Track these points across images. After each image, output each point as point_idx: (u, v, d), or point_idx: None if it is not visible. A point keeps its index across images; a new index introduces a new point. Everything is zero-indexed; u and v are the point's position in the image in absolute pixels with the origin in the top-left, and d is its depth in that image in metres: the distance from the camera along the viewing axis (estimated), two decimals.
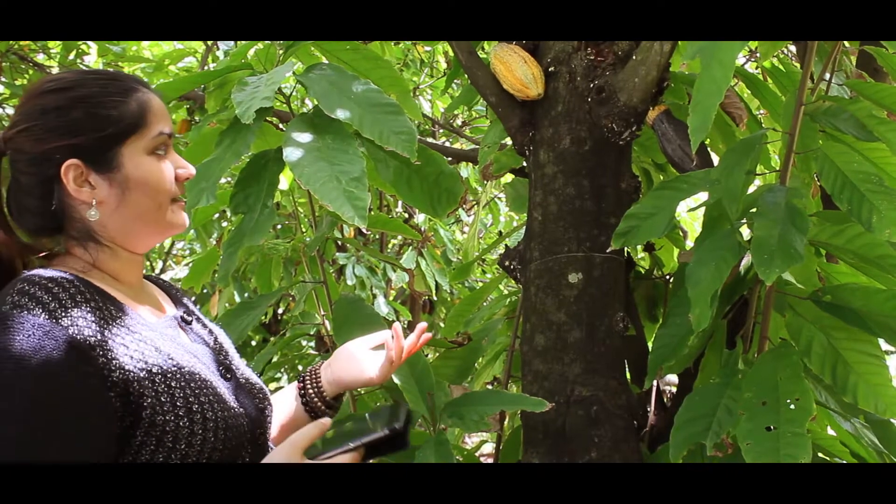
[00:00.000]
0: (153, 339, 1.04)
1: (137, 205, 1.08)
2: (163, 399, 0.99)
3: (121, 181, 1.06)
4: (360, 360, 1.31)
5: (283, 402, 1.33)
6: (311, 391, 1.32)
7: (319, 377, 1.33)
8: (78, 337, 0.94)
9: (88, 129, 1.05)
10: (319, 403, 1.32)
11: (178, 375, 1.02)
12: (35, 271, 1.01)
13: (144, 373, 0.99)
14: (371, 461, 1.07)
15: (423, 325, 1.31)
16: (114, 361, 0.96)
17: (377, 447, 1.05)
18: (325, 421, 1.06)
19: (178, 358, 1.04)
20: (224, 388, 1.09)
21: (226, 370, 1.13)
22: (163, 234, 1.14)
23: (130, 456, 0.97)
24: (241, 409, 1.09)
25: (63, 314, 0.95)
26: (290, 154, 1.42)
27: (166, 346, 1.05)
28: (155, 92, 1.14)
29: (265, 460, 1.04)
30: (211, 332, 1.21)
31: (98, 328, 0.97)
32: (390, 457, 1.39)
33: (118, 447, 0.96)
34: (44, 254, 1.10)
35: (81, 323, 0.95)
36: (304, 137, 1.46)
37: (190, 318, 1.18)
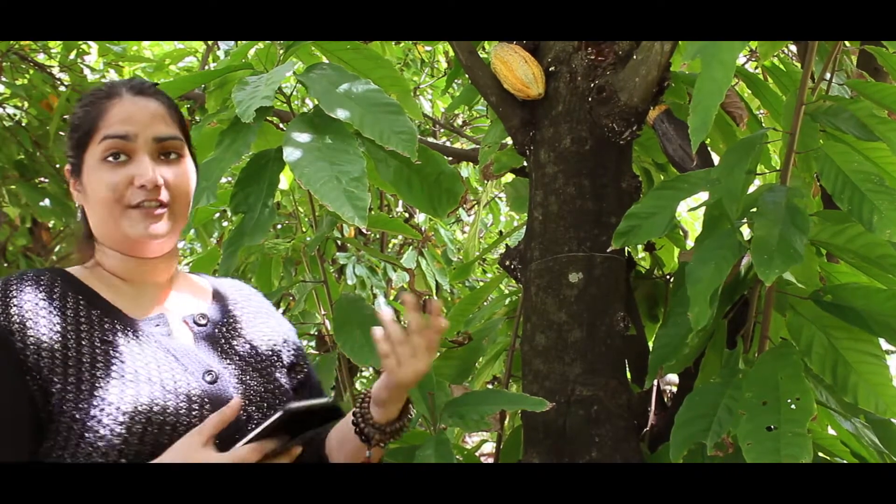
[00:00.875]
0: (114, 331, 1.07)
1: (93, 212, 1.13)
2: (82, 388, 1.01)
3: (85, 186, 1.13)
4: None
5: (344, 433, 1.23)
6: (359, 420, 1.19)
7: (367, 404, 1.20)
8: (2, 322, 1.01)
9: (69, 135, 1.14)
10: (364, 427, 1.18)
11: (113, 365, 1.03)
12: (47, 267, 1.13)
13: (72, 360, 1.02)
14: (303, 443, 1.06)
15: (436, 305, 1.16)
16: (31, 347, 1.01)
17: (301, 423, 1.02)
18: (233, 404, 1.04)
19: (133, 351, 1.06)
20: (197, 390, 1.07)
21: (209, 373, 1.10)
22: (126, 242, 1.12)
23: (50, 441, 1.01)
24: (206, 411, 1.06)
25: (11, 303, 1.03)
26: (291, 154, 1.42)
27: (128, 340, 1.06)
28: (150, 97, 1.14)
29: (168, 450, 1.01)
30: (222, 333, 1.18)
31: (30, 316, 1.02)
32: (390, 457, 1.39)
33: (40, 433, 1.00)
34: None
35: (14, 311, 1.02)
36: (305, 137, 1.46)
37: (205, 322, 1.17)
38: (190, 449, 1.00)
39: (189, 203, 1.17)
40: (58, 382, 1.01)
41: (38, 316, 1.03)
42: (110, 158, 1.09)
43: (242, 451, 1.00)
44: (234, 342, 1.19)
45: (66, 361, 1.02)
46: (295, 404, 1.00)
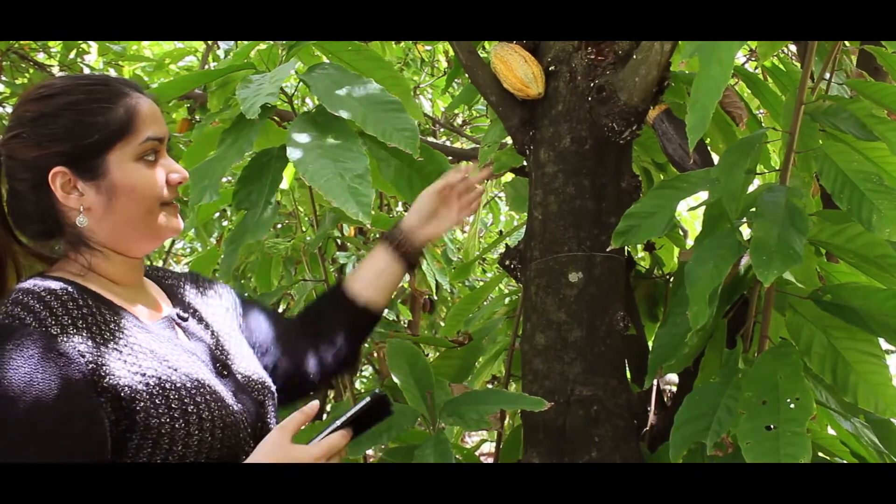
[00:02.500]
0: (148, 341, 1.05)
1: (125, 211, 1.08)
2: (157, 402, 0.99)
3: (107, 188, 1.07)
4: (438, 214, 1.46)
5: (372, 260, 1.43)
6: (395, 235, 1.43)
7: (402, 230, 1.43)
8: (67, 345, 0.95)
9: (75, 136, 1.05)
10: (414, 254, 1.44)
11: (174, 378, 1.02)
12: (33, 280, 1.03)
13: (137, 377, 0.99)
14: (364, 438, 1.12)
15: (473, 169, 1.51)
16: (103, 367, 0.97)
17: (364, 419, 1.06)
18: (313, 404, 1.06)
19: (174, 360, 1.05)
20: (221, 387, 1.09)
21: (223, 367, 1.13)
22: (155, 238, 1.13)
23: (128, 457, 0.98)
24: (239, 406, 1.10)
25: (53, 323, 0.97)
26: (294, 152, 1.43)
27: (162, 349, 1.05)
28: (148, 95, 1.13)
29: (256, 449, 1.03)
30: (208, 325, 1.20)
31: (88, 335, 0.98)
32: (390, 456, 1.40)
33: (114, 451, 0.97)
34: (46, 258, 1.13)
35: (72, 331, 0.97)
36: (307, 136, 1.47)
37: (186, 316, 1.17)
38: (282, 446, 1.01)
39: None
40: (140, 400, 0.99)
41: (92, 333, 0.99)
42: (149, 157, 1.10)
43: (334, 440, 1.02)
44: (210, 325, 1.21)
45: (133, 377, 0.99)
46: (378, 391, 1.06)
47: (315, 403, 1.06)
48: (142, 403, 0.98)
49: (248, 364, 1.22)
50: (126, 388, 0.98)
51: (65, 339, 0.96)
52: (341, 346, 1.40)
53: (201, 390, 1.04)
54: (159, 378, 1.01)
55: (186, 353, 1.09)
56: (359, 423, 1.06)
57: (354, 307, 1.40)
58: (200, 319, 1.21)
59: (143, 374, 1.00)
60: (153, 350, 1.04)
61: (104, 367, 0.97)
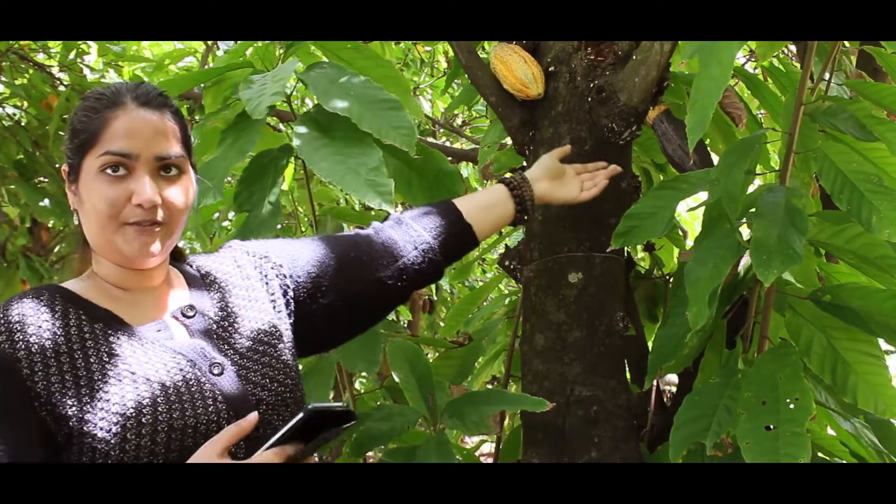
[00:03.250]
0: (121, 347, 1.05)
1: (87, 220, 1.11)
2: (98, 406, 1.00)
3: (81, 193, 1.10)
4: (562, 180, 1.47)
5: (488, 192, 1.42)
6: (519, 185, 1.41)
7: (522, 176, 1.42)
8: (7, 350, 0.99)
9: (70, 138, 1.12)
10: (531, 208, 1.42)
11: (125, 377, 1.03)
12: (24, 292, 1.08)
13: (84, 381, 1.01)
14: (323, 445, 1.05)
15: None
16: (38, 373, 0.99)
17: (317, 431, 1.00)
18: (250, 418, 1.03)
19: (143, 360, 1.05)
20: (210, 385, 1.07)
21: (216, 365, 1.10)
22: (118, 257, 1.11)
23: (68, 459, 0.99)
24: (221, 406, 1.07)
25: (3, 328, 1.01)
26: (303, 150, 1.45)
27: (135, 349, 1.06)
28: (154, 111, 1.11)
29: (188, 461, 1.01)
30: (224, 314, 1.18)
31: (35, 341, 1.01)
32: (390, 457, 1.40)
33: (55, 454, 0.99)
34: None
35: (18, 337, 1.00)
36: (314, 134, 1.48)
37: (192, 312, 1.16)
38: (209, 460, 0.99)
39: (184, 218, 1.14)
40: (73, 405, 0.99)
41: (42, 339, 1.01)
42: (109, 171, 1.07)
43: (266, 456, 0.98)
44: (227, 326, 1.18)
45: (77, 382, 1.00)
46: (316, 404, 0.98)
47: (252, 416, 1.03)
48: (73, 409, 0.99)
49: (266, 349, 1.18)
50: (56, 394, 0.99)
51: (5, 345, 0.99)
52: (433, 251, 1.34)
53: (156, 392, 1.03)
54: (106, 382, 1.01)
55: (170, 354, 1.08)
56: (311, 434, 1.00)
57: (461, 220, 1.37)
58: (219, 307, 1.19)
59: (90, 379, 1.01)
60: (120, 354, 1.04)
61: (38, 374, 0.99)
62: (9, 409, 0.97)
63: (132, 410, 1.00)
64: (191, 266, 1.24)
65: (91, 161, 1.08)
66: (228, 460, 1.00)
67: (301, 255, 1.29)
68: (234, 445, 1.03)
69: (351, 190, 1.38)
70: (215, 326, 1.17)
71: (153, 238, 1.09)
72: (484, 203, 1.40)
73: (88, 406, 1.00)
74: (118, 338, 1.06)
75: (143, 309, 1.13)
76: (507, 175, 1.44)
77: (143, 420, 1.00)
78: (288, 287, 1.26)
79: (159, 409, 1.02)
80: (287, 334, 1.23)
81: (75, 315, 1.06)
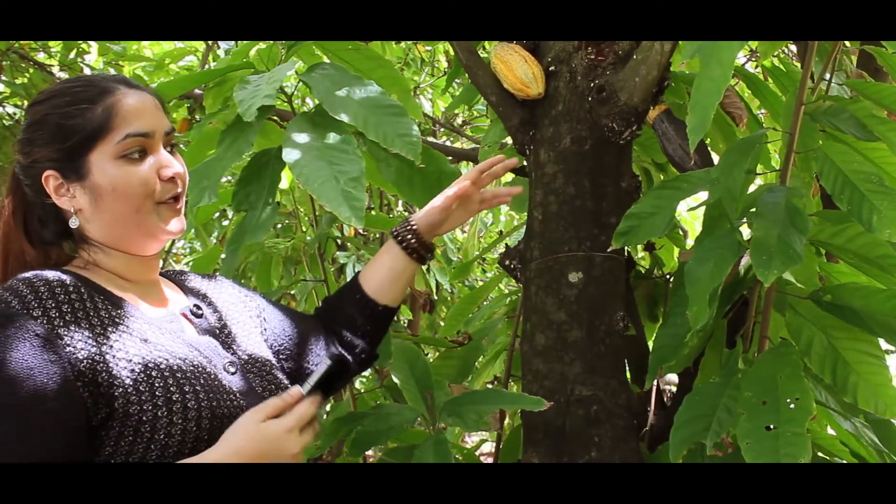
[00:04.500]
0: (143, 331, 1.05)
1: (112, 211, 1.09)
2: (141, 388, 0.99)
3: (92, 189, 1.08)
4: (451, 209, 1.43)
5: (380, 259, 1.42)
6: (409, 238, 1.40)
7: (413, 225, 1.41)
8: (46, 328, 0.96)
9: (57, 140, 1.07)
10: (418, 245, 1.40)
11: (163, 366, 1.02)
12: (35, 271, 1.04)
13: (122, 363, 0.99)
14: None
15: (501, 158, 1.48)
16: (82, 351, 0.97)
17: (328, 383, 1.09)
18: (294, 391, 1.06)
19: (169, 350, 1.05)
20: (222, 382, 1.08)
21: (230, 364, 1.13)
22: (150, 238, 1.12)
23: (110, 446, 0.98)
24: (242, 402, 1.09)
25: (36, 305, 0.97)
26: (289, 154, 1.42)
27: (160, 339, 1.05)
28: (143, 89, 1.12)
29: (229, 429, 1.02)
30: (224, 324, 1.21)
31: (72, 319, 0.99)
32: (389, 456, 1.40)
33: (93, 436, 0.97)
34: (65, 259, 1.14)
35: (54, 314, 0.97)
36: (304, 137, 1.46)
37: (200, 312, 1.18)
38: (253, 425, 1.01)
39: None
40: (119, 386, 0.98)
41: (77, 318, 0.99)
42: (134, 155, 1.08)
43: (303, 408, 1.03)
44: (227, 323, 1.21)
45: (118, 363, 0.99)
46: (331, 352, 1.14)
47: (296, 390, 1.06)
48: (120, 389, 0.98)
49: (263, 364, 1.21)
50: (104, 374, 0.97)
51: (45, 321, 0.96)
52: (361, 344, 1.40)
53: (192, 381, 1.03)
54: (146, 365, 1.00)
55: (188, 347, 1.08)
56: (324, 386, 1.09)
57: (373, 306, 1.40)
58: (219, 318, 1.21)
59: (129, 361, 1.00)
60: (147, 339, 1.04)
61: (82, 352, 0.97)
62: (58, 390, 0.94)
63: (177, 395, 1.01)
64: (168, 273, 1.27)
65: (104, 150, 1.07)
66: (266, 425, 1.01)
67: (274, 312, 1.35)
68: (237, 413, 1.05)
69: (325, 199, 1.35)
70: (219, 332, 1.18)
71: (180, 212, 1.13)
72: (386, 274, 1.41)
73: (131, 388, 0.98)
74: (140, 324, 1.06)
75: (152, 300, 1.14)
76: (395, 229, 1.44)
77: (189, 405, 1.01)
78: (265, 330, 1.31)
79: (200, 395, 1.03)
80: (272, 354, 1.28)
81: (100, 300, 1.04)
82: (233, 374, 1.12)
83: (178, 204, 1.13)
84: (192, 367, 1.05)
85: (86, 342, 0.98)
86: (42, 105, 1.09)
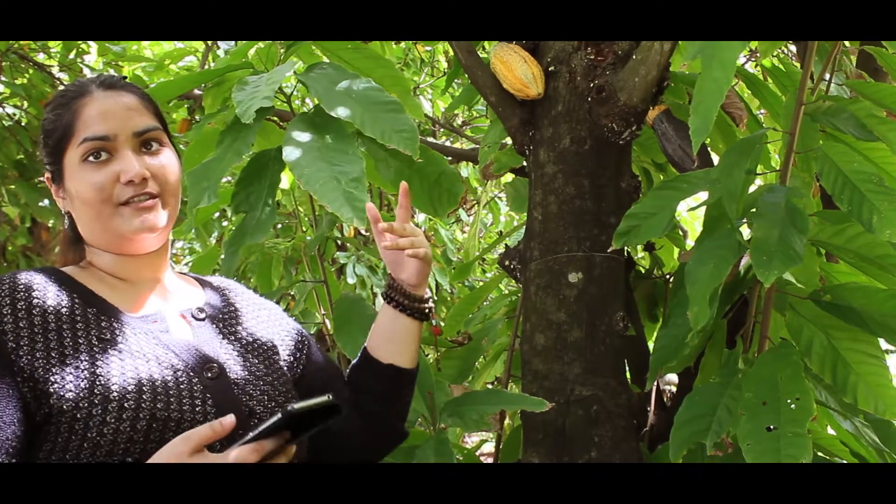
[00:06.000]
0: (111, 331, 1.05)
1: (81, 214, 1.12)
2: (82, 385, 0.99)
3: (67, 192, 1.12)
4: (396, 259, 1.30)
5: (380, 322, 1.33)
6: (396, 296, 1.29)
7: (395, 288, 1.30)
8: None
9: (44, 143, 1.13)
10: (408, 302, 1.29)
11: (113, 364, 1.01)
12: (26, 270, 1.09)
13: (70, 359, 1.00)
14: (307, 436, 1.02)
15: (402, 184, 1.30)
16: (24, 347, 0.99)
17: (306, 422, 0.98)
18: (226, 420, 0.99)
19: (131, 350, 1.04)
20: (196, 386, 1.06)
21: (210, 368, 1.09)
22: (122, 238, 1.11)
23: (50, 441, 0.98)
24: (209, 408, 1.05)
25: None
26: (290, 154, 1.42)
27: (126, 338, 1.05)
28: (121, 90, 1.12)
29: (156, 454, 0.98)
30: (235, 332, 1.19)
31: (24, 316, 1.01)
32: (390, 457, 1.40)
33: (37, 431, 0.98)
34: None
35: (6, 311, 1.00)
36: (304, 137, 1.46)
37: (203, 315, 1.17)
38: (179, 455, 0.95)
39: (178, 192, 1.16)
40: (55, 382, 0.98)
41: (31, 315, 1.01)
42: (91, 158, 1.08)
43: (241, 452, 0.95)
44: (234, 331, 1.19)
45: (63, 360, 1.00)
46: (295, 405, 0.95)
47: (228, 419, 0.99)
48: (56, 385, 0.98)
49: (263, 376, 1.17)
50: (40, 370, 0.98)
51: None
52: (387, 416, 1.33)
53: (142, 381, 1.01)
54: (93, 363, 1.01)
55: (162, 348, 1.07)
56: (294, 427, 0.98)
57: (388, 373, 1.31)
58: (229, 325, 1.19)
59: (76, 357, 1.00)
60: (106, 338, 1.04)
61: (24, 348, 0.99)
62: None
63: (116, 393, 0.99)
64: (212, 282, 1.28)
65: (71, 155, 1.09)
66: (199, 458, 0.95)
67: (317, 355, 1.32)
68: (215, 444, 0.99)
69: (327, 200, 1.34)
70: (220, 330, 1.17)
71: (151, 212, 1.10)
72: (382, 331, 1.32)
73: (71, 385, 0.99)
74: (110, 324, 1.06)
75: (140, 299, 1.13)
76: (383, 293, 1.33)
77: (126, 405, 0.99)
78: (300, 366, 1.28)
79: (144, 395, 1.01)
80: (287, 359, 1.25)
81: (69, 297, 1.06)
82: (212, 378, 1.08)
83: (146, 203, 1.10)
84: (147, 368, 1.03)
85: (31, 339, 1.00)
86: (45, 108, 1.15)
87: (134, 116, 1.11)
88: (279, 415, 0.95)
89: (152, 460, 0.97)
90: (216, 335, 1.16)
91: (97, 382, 1.00)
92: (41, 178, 3.33)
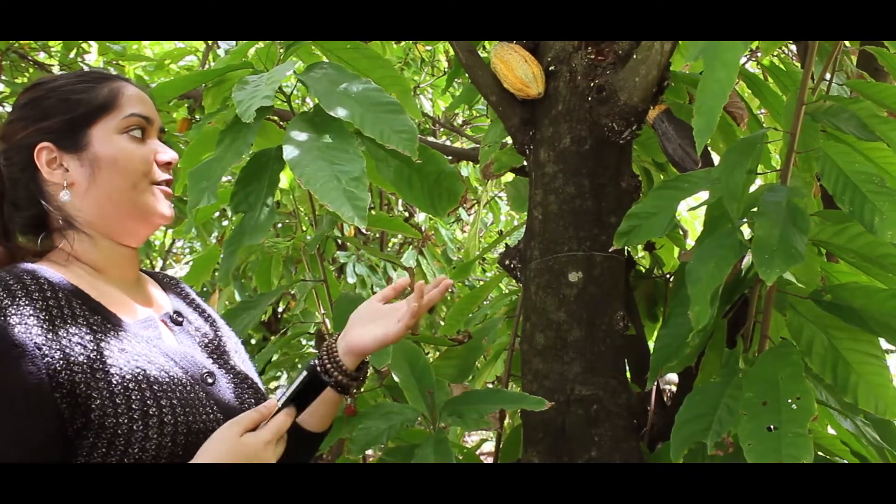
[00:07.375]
0: (120, 339, 1.03)
1: (108, 184, 1.09)
2: (117, 401, 0.97)
3: (91, 159, 1.08)
4: (377, 320, 1.22)
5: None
6: (330, 368, 1.20)
7: (336, 352, 1.21)
8: (24, 336, 0.93)
9: (59, 112, 1.09)
10: (342, 378, 1.20)
11: (140, 378, 1.00)
12: (8, 268, 1.02)
13: (100, 374, 0.97)
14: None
15: (444, 278, 1.23)
16: (60, 362, 0.95)
17: (304, 395, 1.10)
18: (269, 403, 1.04)
19: (145, 360, 1.03)
20: (199, 393, 1.06)
21: (209, 374, 1.11)
22: (142, 220, 1.11)
23: (83, 456, 0.96)
24: (220, 415, 1.06)
25: (14, 311, 0.94)
26: (290, 153, 1.42)
27: (136, 348, 1.04)
28: (137, 86, 1.16)
29: (206, 442, 1.00)
30: (205, 333, 1.20)
31: (49, 327, 0.96)
32: (390, 455, 1.40)
33: (68, 449, 0.96)
34: (36, 255, 1.11)
35: (31, 322, 0.95)
36: (304, 136, 1.46)
37: (181, 319, 1.17)
38: (232, 439, 0.99)
39: None
40: (97, 398, 0.96)
41: (56, 325, 0.97)
42: (136, 133, 1.11)
43: (280, 421, 1.02)
44: (204, 333, 1.20)
45: (94, 373, 0.97)
46: (310, 363, 1.08)
47: (271, 402, 1.04)
48: (98, 401, 0.96)
49: (248, 373, 1.21)
50: (81, 385, 0.95)
51: (22, 329, 0.94)
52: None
53: (168, 394, 1.01)
54: (123, 377, 0.99)
55: (164, 357, 1.06)
56: (300, 398, 1.09)
57: (301, 436, 1.26)
58: (198, 327, 1.20)
59: (107, 372, 0.98)
60: (123, 348, 1.02)
61: (60, 362, 0.95)
62: (32, 400, 0.92)
63: (154, 408, 0.99)
64: (153, 274, 1.26)
65: (108, 125, 1.10)
66: (250, 437, 1.00)
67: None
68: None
69: (328, 199, 1.33)
70: (192, 335, 1.17)
71: (170, 199, 1.15)
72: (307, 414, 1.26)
73: (117, 400, 0.97)
74: (117, 332, 1.04)
75: (127, 303, 1.11)
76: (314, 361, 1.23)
77: (165, 419, 0.99)
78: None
79: (177, 409, 1.01)
80: (245, 355, 1.28)
81: (78, 305, 1.02)
82: (210, 384, 1.10)
83: (168, 190, 1.15)
84: (168, 380, 1.03)
85: (64, 352, 0.95)
86: (43, 86, 1.12)
87: (157, 114, 1.17)
88: (304, 373, 1.08)
89: (206, 448, 1.00)
90: (193, 340, 1.17)
91: (132, 398, 0.98)
92: None
